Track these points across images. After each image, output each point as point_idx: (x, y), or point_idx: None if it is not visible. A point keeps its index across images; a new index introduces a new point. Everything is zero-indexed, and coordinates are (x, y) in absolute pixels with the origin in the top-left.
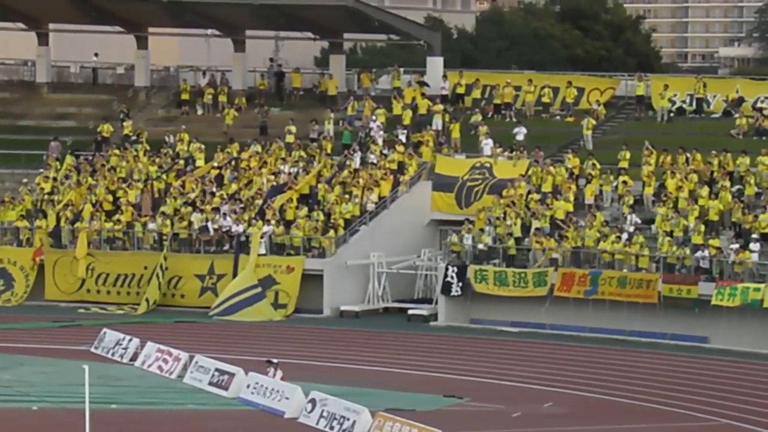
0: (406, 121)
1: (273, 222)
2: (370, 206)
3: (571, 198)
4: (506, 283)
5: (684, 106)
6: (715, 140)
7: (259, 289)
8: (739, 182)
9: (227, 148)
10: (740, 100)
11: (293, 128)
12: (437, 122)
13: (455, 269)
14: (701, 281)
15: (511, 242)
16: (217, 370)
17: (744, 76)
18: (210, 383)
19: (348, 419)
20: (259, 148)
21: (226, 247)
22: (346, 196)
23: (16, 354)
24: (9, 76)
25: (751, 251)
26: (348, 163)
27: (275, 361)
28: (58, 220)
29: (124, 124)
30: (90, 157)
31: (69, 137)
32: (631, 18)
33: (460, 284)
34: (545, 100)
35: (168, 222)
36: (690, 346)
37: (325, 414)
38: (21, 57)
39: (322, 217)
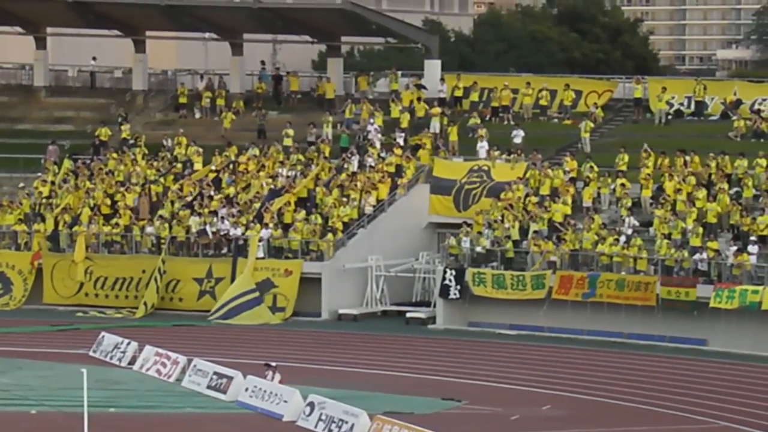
0: (404, 124)
1: (271, 225)
2: (368, 209)
3: (569, 201)
4: (504, 286)
5: (682, 108)
6: (713, 143)
7: (257, 294)
8: (737, 185)
9: (225, 152)
10: (738, 103)
11: (291, 131)
12: (435, 125)
13: (453, 272)
14: (699, 284)
15: (509, 245)
16: (215, 373)
17: (742, 78)
18: (208, 386)
19: (346, 422)
20: (257, 152)
21: (224, 250)
22: (344, 199)
23: (14, 358)
24: (7, 80)
25: (750, 253)
26: (346, 166)
27: (273, 364)
28: (57, 224)
29: (122, 127)
30: (88, 161)
31: (67, 141)
32: (629, 21)
33: (459, 287)
34: (543, 103)
35: (166, 225)
36: (688, 349)
37: (323, 417)
38: (19, 61)
39: (320, 220)
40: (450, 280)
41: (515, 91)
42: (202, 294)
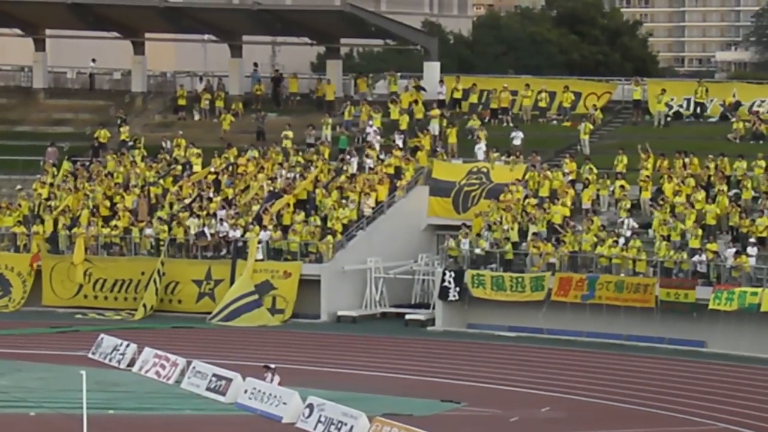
0: (403, 126)
1: (270, 227)
2: (368, 211)
3: (569, 203)
4: (503, 287)
5: (681, 110)
6: (712, 144)
7: (256, 296)
8: (737, 186)
9: (225, 153)
10: (737, 105)
11: (290, 133)
12: (434, 127)
13: (452, 274)
14: (698, 285)
15: (509, 247)
16: (214, 375)
17: (741, 80)
18: (207, 389)
19: (345, 424)
20: (256, 154)
21: (224, 252)
22: (343, 201)
23: (13, 360)
24: (6, 81)
25: (749, 255)
26: (345, 168)
27: (273, 366)
28: (56, 225)
29: (121, 129)
30: (87, 163)
31: (66, 143)
32: (628, 23)
33: (458, 289)
34: (542, 104)
35: (165, 227)
36: (687, 351)
37: (322, 419)
38: (18, 63)
39: (319, 222)
40: (449, 282)
41: (514, 93)
42: (201, 296)
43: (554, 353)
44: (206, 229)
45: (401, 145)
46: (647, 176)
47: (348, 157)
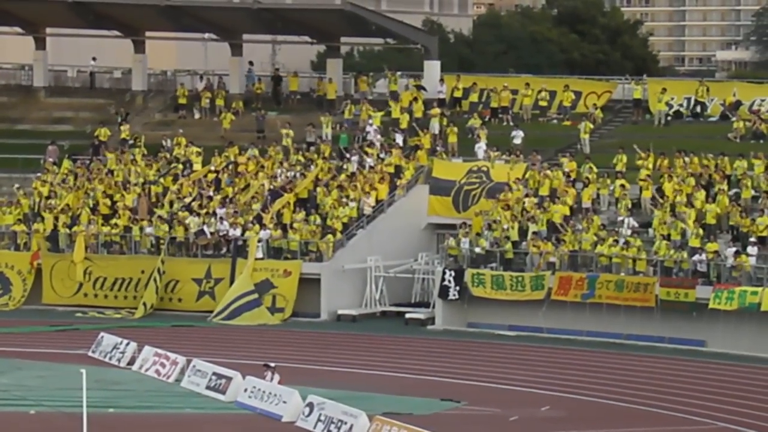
0: (404, 125)
1: (270, 226)
2: (368, 210)
3: (570, 202)
4: (503, 286)
5: (681, 109)
6: (713, 144)
7: (255, 295)
8: (737, 186)
9: (225, 152)
10: (737, 104)
11: (290, 132)
12: (435, 126)
13: (452, 273)
14: (699, 285)
15: (509, 246)
16: (214, 374)
17: (741, 79)
18: (207, 387)
19: (345, 423)
20: (256, 152)
21: (224, 251)
22: (344, 199)
23: (13, 358)
24: (6, 80)
25: (749, 255)
26: (345, 166)
27: (272, 364)
28: (56, 224)
29: (122, 128)
30: (87, 161)
31: (66, 141)
32: (629, 22)
33: (458, 288)
34: (542, 103)
35: (165, 226)
36: (687, 350)
37: (322, 418)
38: (18, 61)
39: (319, 220)
40: (449, 281)
41: (515, 92)
42: (201, 294)
43: (554, 352)
44: (206, 228)
45: (401, 144)
46: (648, 175)
47: (348, 156)
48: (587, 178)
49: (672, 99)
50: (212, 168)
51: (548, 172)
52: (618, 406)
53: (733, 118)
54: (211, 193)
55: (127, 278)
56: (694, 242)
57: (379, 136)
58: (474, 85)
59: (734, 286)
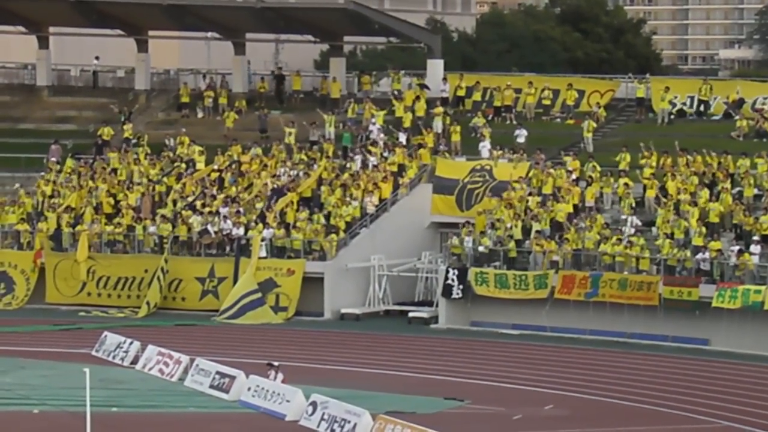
0: (407, 124)
1: (273, 225)
2: (371, 209)
3: (576, 201)
4: (507, 285)
5: (684, 108)
6: (716, 142)
7: (259, 295)
8: (740, 184)
9: (228, 151)
10: (740, 102)
11: (293, 130)
12: (438, 125)
13: (456, 272)
14: (702, 283)
15: (512, 245)
16: (217, 373)
17: (744, 78)
18: (211, 386)
19: (349, 422)
20: (259, 151)
21: (227, 250)
22: (347, 198)
23: (17, 357)
24: (9, 79)
25: (752, 253)
26: (348, 165)
27: (276, 363)
28: (59, 223)
29: (125, 127)
30: (90, 161)
31: (69, 140)
32: (632, 20)
33: (461, 287)
34: (545, 102)
35: (168, 225)
36: (691, 349)
37: (325, 417)
38: (21, 60)
39: (322, 219)
40: (452, 280)
41: (518, 91)
42: (204, 293)
43: (557, 351)
44: (210, 227)
45: (404, 143)
46: (652, 174)
47: (352, 155)
48: (590, 176)
49: (675, 98)
50: (215, 167)
51: (551, 170)
52: (621, 405)
53: (737, 117)
54: (214, 192)
55: (130, 277)
56: (698, 241)
57: (382, 135)
58: (477, 84)
59: (737, 285)
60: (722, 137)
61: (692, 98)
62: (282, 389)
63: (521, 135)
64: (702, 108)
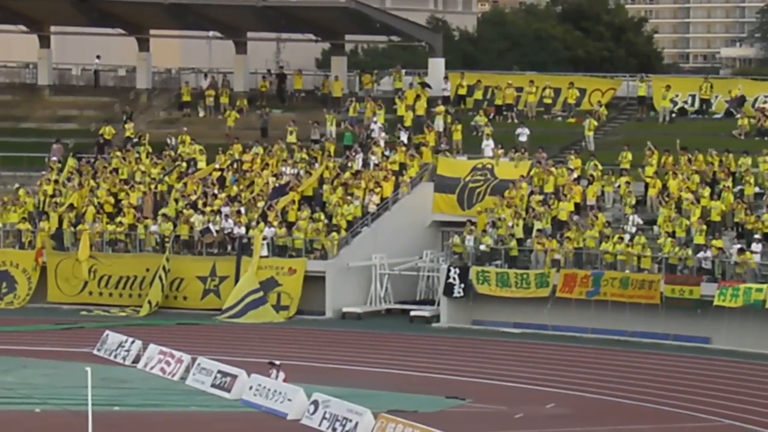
0: (408, 123)
1: (275, 224)
2: (372, 207)
3: (578, 199)
4: (508, 284)
5: (686, 106)
6: (717, 141)
7: (261, 293)
8: (741, 182)
9: (230, 150)
10: (742, 99)
11: (294, 129)
12: (439, 123)
13: (457, 270)
14: (703, 282)
15: (513, 243)
16: (219, 372)
17: (746, 76)
18: (212, 385)
19: (350, 421)
20: (261, 150)
21: (228, 249)
22: (348, 197)
23: (18, 356)
24: (11, 78)
25: (753, 252)
26: (350, 164)
27: (278, 362)
28: (60, 222)
29: (126, 126)
30: (92, 160)
31: (71, 139)
32: (633, 19)
33: (463, 285)
34: (547, 101)
35: (170, 224)
36: (692, 347)
37: (327, 415)
38: (23, 59)
39: (324, 218)
40: (454, 279)
41: (519, 90)
42: (206, 292)
43: (559, 350)
44: (211, 226)
45: (406, 142)
46: (654, 173)
47: (353, 154)
48: (592, 175)
49: (676, 96)
50: (217, 166)
51: (553, 169)
52: (623, 404)
53: (738, 115)
54: (215, 191)
55: (132, 276)
56: (699, 239)
57: (383, 134)
58: (478, 83)
59: (739, 283)
60: (723, 136)
61: (693, 97)
62: (284, 388)
63: (523, 134)
64: (703, 106)
